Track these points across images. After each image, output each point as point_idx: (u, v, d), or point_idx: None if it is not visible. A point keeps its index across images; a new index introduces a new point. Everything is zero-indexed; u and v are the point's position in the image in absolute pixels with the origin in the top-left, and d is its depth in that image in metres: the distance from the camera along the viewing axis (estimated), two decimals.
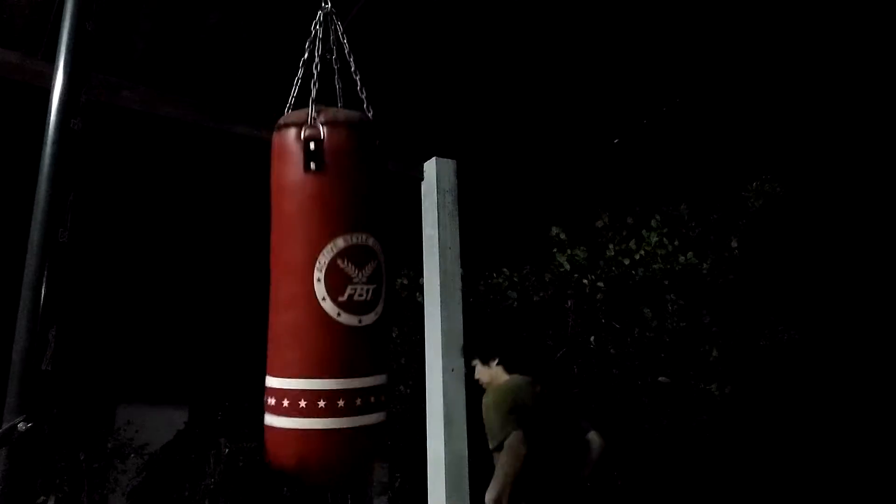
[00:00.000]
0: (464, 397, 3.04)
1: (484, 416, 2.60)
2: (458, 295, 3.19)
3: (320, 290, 1.56)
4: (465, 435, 2.99)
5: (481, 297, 5.93)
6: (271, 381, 1.60)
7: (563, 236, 5.78)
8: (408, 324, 6.10)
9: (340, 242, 1.58)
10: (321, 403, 1.53)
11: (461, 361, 3.07)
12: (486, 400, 2.64)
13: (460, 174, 3.32)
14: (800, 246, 5.90)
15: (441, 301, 3.12)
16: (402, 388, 6.03)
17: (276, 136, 1.67)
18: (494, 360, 2.79)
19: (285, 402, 1.54)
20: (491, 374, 2.79)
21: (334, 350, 1.57)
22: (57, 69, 1.50)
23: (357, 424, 1.57)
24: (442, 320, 3.09)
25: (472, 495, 2.91)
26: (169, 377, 9.02)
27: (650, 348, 5.40)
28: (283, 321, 1.60)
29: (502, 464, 2.44)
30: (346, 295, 1.57)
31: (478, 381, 2.85)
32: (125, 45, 2.55)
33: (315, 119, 1.61)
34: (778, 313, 5.47)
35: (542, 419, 2.59)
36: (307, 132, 1.60)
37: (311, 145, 1.59)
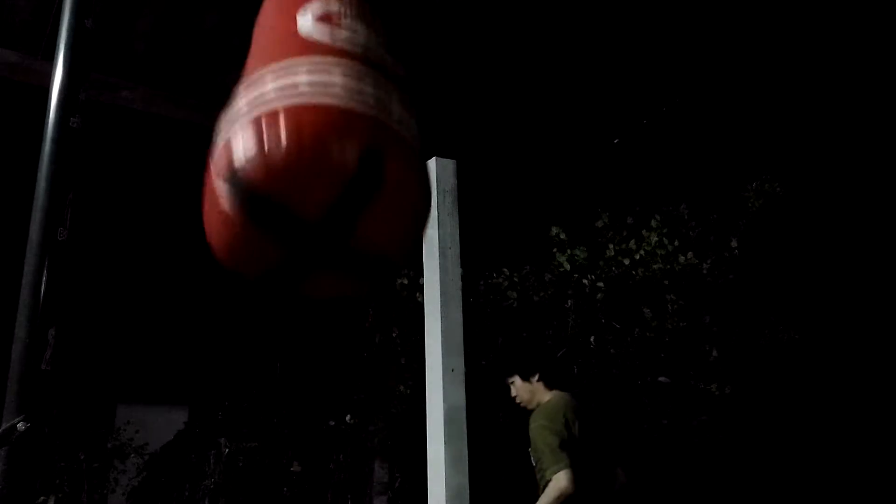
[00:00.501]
0: (464, 397, 3.04)
1: (533, 441, 2.61)
2: (458, 295, 3.19)
3: None
4: (465, 435, 2.99)
5: (481, 297, 5.93)
6: None
7: (563, 236, 5.78)
8: (408, 324, 6.11)
9: None
10: None
11: (461, 361, 3.07)
12: (536, 424, 2.64)
13: (460, 174, 3.32)
14: (800, 246, 5.90)
15: (441, 301, 3.12)
16: (402, 388, 6.04)
17: None
18: (535, 376, 2.79)
19: None
20: (532, 390, 2.79)
21: None
22: (56, 68, 1.49)
23: None
24: (442, 320, 3.09)
25: (472, 496, 2.91)
26: (169, 377, 9.03)
27: (650, 348, 5.41)
28: None
29: (549, 497, 2.48)
30: None
31: (514, 398, 2.85)
32: (125, 45, 2.55)
33: None
34: (778, 313, 5.47)
35: (583, 441, 2.61)
36: None
37: None
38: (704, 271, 5.45)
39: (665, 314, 5.39)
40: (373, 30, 1.30)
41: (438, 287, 3.14)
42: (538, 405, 2.81)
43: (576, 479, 2.47)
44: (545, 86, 3.34)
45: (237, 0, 2.46)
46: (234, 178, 1.04)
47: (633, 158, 6.25)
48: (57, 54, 1.51)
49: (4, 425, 1.29)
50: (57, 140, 1.45)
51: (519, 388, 2.83)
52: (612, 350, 5.50)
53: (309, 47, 1.18)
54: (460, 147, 3.38)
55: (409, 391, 5.81)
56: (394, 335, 6.34)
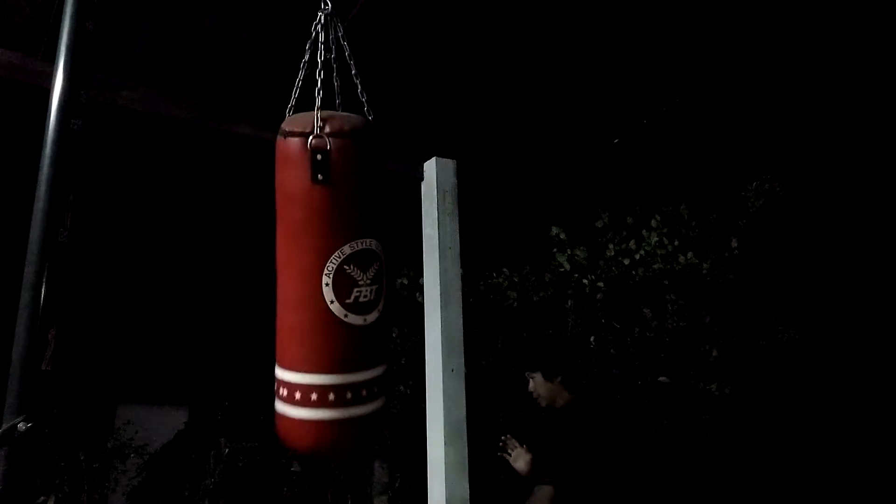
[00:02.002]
0: (464, 397, 3.04)
1: (562, 439, 2.64)
2: (458, 295, 3.19)
3: (329, 294, 1.66)
4: (465, 435, 2.98)
5: (481, 297, 5.93)
6: (283, 374, 1.71)
7: (563, 236, 5.78)
8: (408, 324, 6.10)
9: (347, 249, 1.68)
10: (331, 396, 1.66)
11: (461, 361, 3.07)
12: (558, 427, 2.68)
13: (460, 174, 3.32)
14: (800, 246, 5.90)
15: (441, 301, 3.12)
16: (402, 388, 6.04)
17: (281, 143, 1.69)
18: (558, 377, 2.79)
19: (297, 395, 1.67)
20: (552, 389, 2.79)
21: (342, 348, 1.70)
22: (57, 69, 1.49)
23: (363, 412, 1.71)
24: (442, 320, 3.09)
25: (472, 496, 2.91)
26: (169, 377, 9.02)
27: (650, 348, 5.40)
28: (292, 321, 1.71)
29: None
30: (352, 297, 1.68)
31: (532, 393, 2.85)
32: (125, 45, 2.55)
33: (321, 129, 1.64)
34: (778, 313, 5.47)
35: (596, 448, 2.62)
36: (314, 142, 1.64)
37: (318, 157, 1.63)
38: (704, 271, 5.45)
39: (665, 314, 5.39)
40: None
41: (438, 287, 3.14)
42: (554, 407, 2.81)
43: (560, 495, 2.52)
44: (545, 86, 3.34)
45: (237, 0, 2.46)
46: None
47: (633, 158, 6.25)
48: (57, 55, 1.51)
49: (5, 425, 1.29)
50: (57, 141, 1.45)
51: (539, 384, 2.83)
52: (612, 350, 5.50)
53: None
54: (460, 147, 3.38)
55: (408, 391, 5.81)
56: (394, 335, 6.34)
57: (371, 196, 1.75)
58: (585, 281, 5.61)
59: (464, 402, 3.03)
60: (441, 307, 3.11)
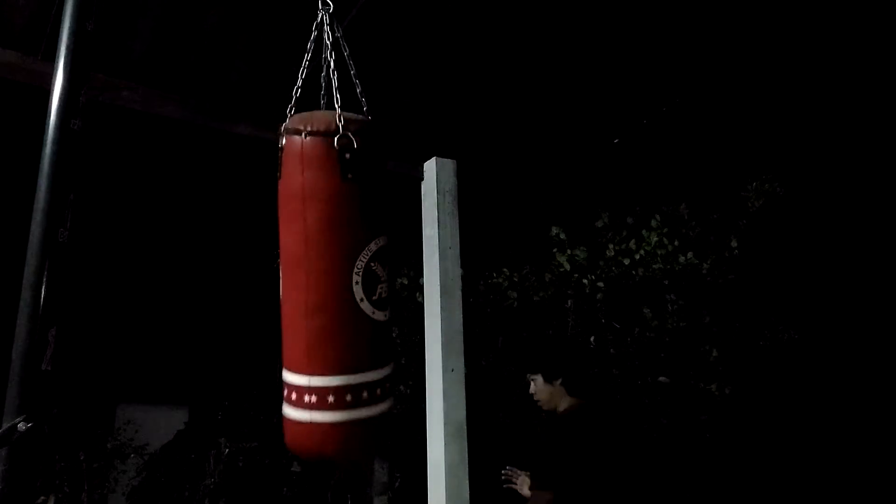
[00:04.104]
0: (464, 397, 3.04)
1: (552, 444, 2.64)
2: (458, 295, 3.19)
3: (358, 292, 1.67)
4: (465, 435, 2.99)
5: (481, 297, 5.93)
6: (310, 379, 1.68)
7: (563, 236, 5.78)
8: (408, 324, 6.11)
9: (373, 246, 1.70)
10: (365, 394, 1.67)
11: (461, 361, 3.07)
12: (551, 436, 2.67)
13: (460, 174, 3.32)
14: (800, 246, 5.90)
15: (441, 301, 3.12)
16: (402, 388, 6.04)
17: (297, 142, 1.67)
18: (558, 380, 2.77)
19: (330, 398, 1.65)
20: (552, 392, 2.76)
21: (373, 345, 1.71)
22: (57, 69, 1.49)
23: (389, 406, 1.74)
24: (442, 320, 3.09)
25: (472, 496, 2.91)
26: (169, 377, 9.02)
27: (650, 348, 5.41)
28: (318, 323, 1.69)
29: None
30: (377, 294, 1.70)
31: (533, 395, 2.83)
32: (125, 45, 2.55)
33: (344, 127, 1.65)
34: (778, 313, 5.48)
35: (594, 454, 2.62)
36: (342, 142, 1.65)
37: (347, 155, 1.65)
38: (704, 271, 5.45)
39: (665, 314, 5.39)
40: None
41: (438, 287, 3.14)
42: (555, 411, 2.79)
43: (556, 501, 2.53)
44: (545, 86, 3.34)
45: (237, 0, 2.46)
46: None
47: (633, 158, 6.25)
48: (57, 55, 1.51)
49: (5, 425, 1.29)
50: (57, 141, 1.45)
51: (539, 387, 2.80)
52: (612, 350, 5.50)
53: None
54: (460, 147, 3.38)
55: (409, 391, 5.81)
56: (394, 335, 6.35)
57: (383, 191, 1.79)
58: (585, 281, 5.61)
59: (464, 402, 3.03)
60: (441, 307, 3.11)
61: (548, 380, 2.76)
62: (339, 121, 1.68)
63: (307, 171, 1.68)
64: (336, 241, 1.68)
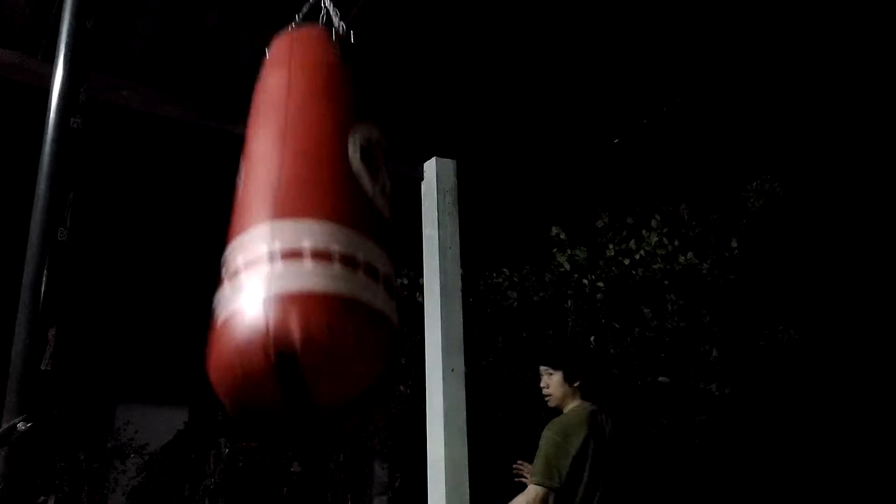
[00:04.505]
0: (464, 397, 3.04)
1: (540, 446, 2.62)
2: (458, 295, 3.19)
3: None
4: (465, 435, 2.98)
5: (481, 297, 5.93)
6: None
7: (563, 236, 5.78)
8: (408, 324, 6.10)
9: (367, 132, 1.49)
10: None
11: (461, 361, 3.07)
12: (549, 433, 2.64)
13: (460, 174, 3.32)
14: (799, 246, 5.90)
15: (441, 301, 3.12)
16: (402, 388, 6.03)
17: (292, 33, 1.61)
18: (577, 381, 2.78)
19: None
20: (566, 392, 2.77)
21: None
22: (57, 67, 1.49)
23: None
24: (442, 320, 3.09)
25: (472, 496, 2.91)
26: (169, 377, 9.02)
27: (650, 348, 5.40)
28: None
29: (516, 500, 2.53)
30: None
31: (544, 388, 2.84)
32: (125, 45, 2.55)
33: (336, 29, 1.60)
34: (778, 313, 5.47)
35: (596, 458, 2.61)
36: (333, 32, 1.59)
37: (339, 37, 1.58)
38: (704, 271, 5.44)
39: (665, 314, 5.39)
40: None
41: (438, 287, 3.14)
42: (561, 409, 2.80)
43: (557, 493, 2.51)
44: (545, 86, 3.34)
45: (237, 0, 2.46)
46: (281, 346, 1.14)
47: (633, 158, 6.24)
48: (57, 54, 1.51)
49: (4, 425, 1.29)
50: (57, 140, 1.45)
51: (555, 384, 2.80)
52: (612, 350, 5.50)
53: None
54: (460, 147, 3.38)
55: (409, 391, 5.81)
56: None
57: (377, 86, 1.68)
58: (585, 281, 5.61)
59: (464, 402, 3.03)
60: (441, 307, 3.11)
61: (567, 379, 2.77)
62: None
63: (296, 53, 1.52)
64: (328, 113, 1.43)
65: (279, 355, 1.13)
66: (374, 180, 1.37)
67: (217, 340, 1.28)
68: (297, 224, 1.23)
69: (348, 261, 1.20)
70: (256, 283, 1.19)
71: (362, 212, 1.31)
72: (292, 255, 1.19)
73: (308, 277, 1.18)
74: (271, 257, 1.19)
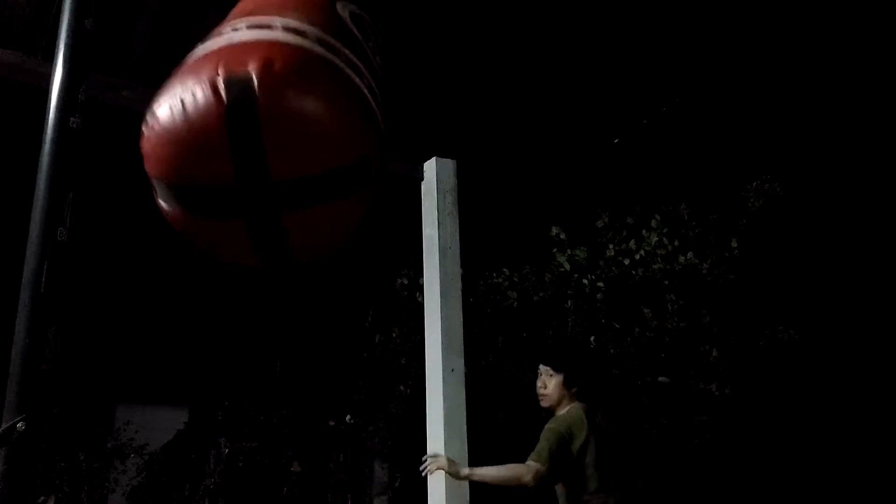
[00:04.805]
0: (464, 397, 3.03)
1: (541, 437, 2.67)
2: (458, 295, 3.19)
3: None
4: (465, 435, 2.98)
5: (481, 297, 5.93)
6: None
7: (563, 236, 5.78)
8: (408, 324, 6.10)
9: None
10: None
11: (461, 361, 3.06)
12: (552, 426, 2.70)
13: (460, 174, 3.32)
14: (799, 246, 5.90)
15: (441, 301, 3.12)
16: (401, 388, 6.03)
17: None
18: (576, 386, 2.80)
19: None
20: (563, 394, 2.80)
21: None
22: (56, 67, 1.49)
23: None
24: (442, 320, 3.09)
25: (472, 496, 2.90)
26: (169, 377, 9.02)
27: (650, 348, 5.40)
28: None
29: (509, 471, 2.59)
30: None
31: (540, 388, 2.85)
32: (125, 45, 2.55)
33: None
34: (778, 313, 5.47)
35: (596, 459, 2.63)
36: None
37: None
38: (704, 271, 5.44)
39: (665, 314, 5.39)
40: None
41: (438, 287, 3.14)
42: (553, 410, 2.82)
43: (542, 482, 2.53)
44: (545, 86, 3.34)
45: (237, 0, 2.46)
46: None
47: (633, 158, 6.24)
48: (57, 54, 1.51)
49: (4, 425, 1.29)
50: (57, 140, 1.45)
51: (555, 385, 2.81)
52: (612, 350, 5.50)
53: None
54: (460, 147, 3.38)
55: (409, 391, 5.81)
56: (394, 335, 6.34)
57: None
58: (585, 281, 5.61)
59: (464, 402, 3.03)
60: (441, 307, 3.11)
61: (567, 383, 2.78)
62: None
63: None
64: None
65: (231, 88, 0.92)
66: (365, 39, 1.23)
67: (154, 103, 1.06)
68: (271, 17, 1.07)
69: (326, 42, 1.04)
70: (210, 42, 1.04)
71: (346, 40, 1.16)
72: (261, 26, 1.05)
73: (275, 35, 1.02)
74: (235, 28, 1.06)
